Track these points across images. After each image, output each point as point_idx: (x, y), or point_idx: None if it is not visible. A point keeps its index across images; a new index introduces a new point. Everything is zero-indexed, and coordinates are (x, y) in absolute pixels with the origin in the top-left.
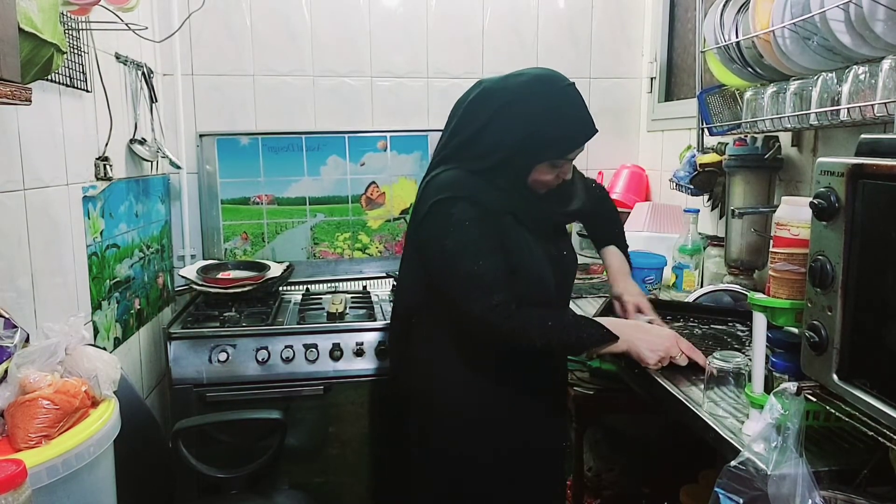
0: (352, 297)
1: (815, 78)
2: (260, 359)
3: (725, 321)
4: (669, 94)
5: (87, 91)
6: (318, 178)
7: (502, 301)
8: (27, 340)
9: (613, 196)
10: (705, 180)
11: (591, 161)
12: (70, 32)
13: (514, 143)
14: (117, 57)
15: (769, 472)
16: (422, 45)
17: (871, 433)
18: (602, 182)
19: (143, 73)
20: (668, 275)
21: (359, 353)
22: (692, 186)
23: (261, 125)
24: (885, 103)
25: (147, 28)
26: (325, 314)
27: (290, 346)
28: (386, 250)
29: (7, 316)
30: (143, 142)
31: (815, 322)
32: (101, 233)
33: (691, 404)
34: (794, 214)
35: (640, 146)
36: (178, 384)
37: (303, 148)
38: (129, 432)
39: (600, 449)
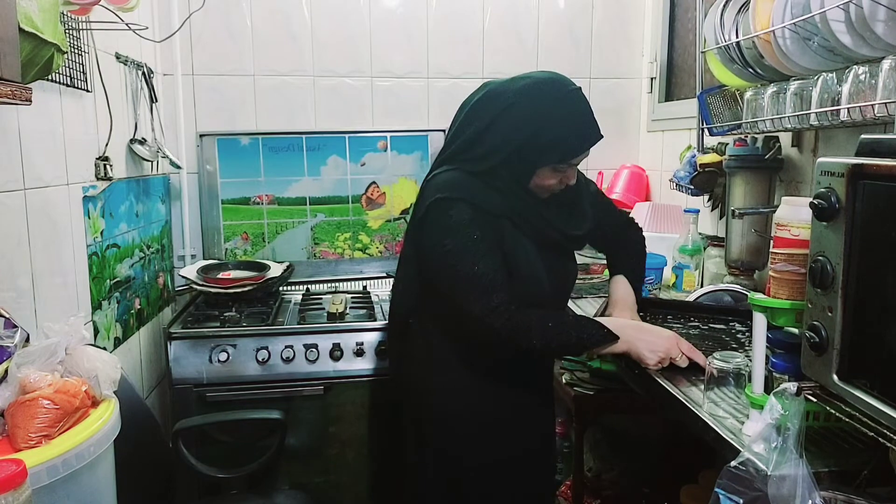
0: (352, 297)
1: (816, 78)
2: (260, 359)
3: (725, 321)
4: (669, 95)
5: (88, 91)
6: (318, 178)
7: (502, 302)
8: (27, 340)
9: (613, 196)
10: (705, 180)
11: (591, 161)
12: (70, 32)
13: (515, 145)
14: (117, 57)
15: (769, 473)
16: (422, 45)
17: (871, 434)
18: (602, 182)
19: (144, 73)
20: (668, 275)
21: (359, 353)
22: (692, 186)
23: (261, 125)
24: (885, 103)
25: (147, 28)
26: (326, 314)
27: (291, 346)
28: (386, 250)
29: (7, 316)
30: (143, 142)
31: (815, 322)
32: (101, 233)
33: (691, 405)
34: (794, 215)
35: (640, 146)
36: (178, 384)
37: (303, 148)
38: (129, 432)
39: (600, 449)
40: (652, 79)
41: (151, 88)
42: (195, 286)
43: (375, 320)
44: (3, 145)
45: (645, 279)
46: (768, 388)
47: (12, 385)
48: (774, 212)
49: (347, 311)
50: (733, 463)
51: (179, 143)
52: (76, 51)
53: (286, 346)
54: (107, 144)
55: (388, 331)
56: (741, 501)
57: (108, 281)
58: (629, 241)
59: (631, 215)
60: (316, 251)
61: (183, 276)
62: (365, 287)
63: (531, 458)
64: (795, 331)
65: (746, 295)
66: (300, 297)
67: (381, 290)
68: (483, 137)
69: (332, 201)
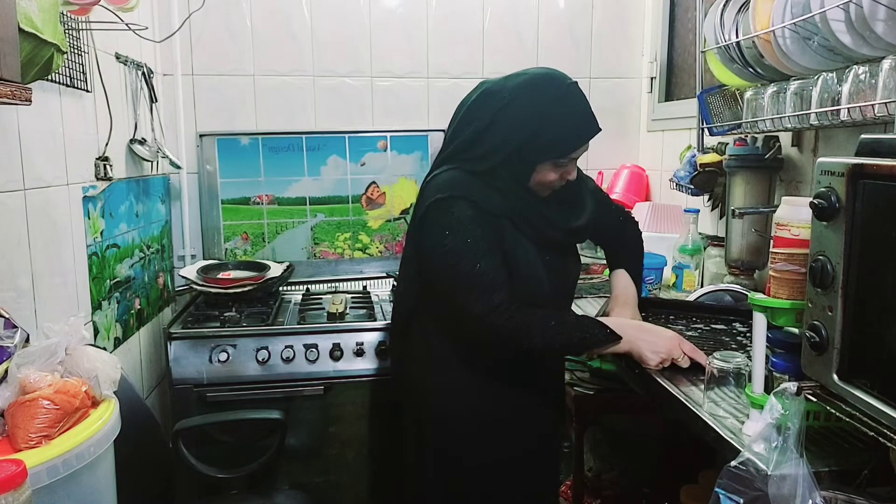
0: (352, 297)
1: (816, 78)
2: (260, 359)
3: (726, 321)
4: (669, 94)
5: (88, 91)
6: (318, 178)
7: (503, 301)
8: (27, 340)
9: (613, 196)
10: (705, 180)
11: (591, 161)
12: (70, 32)
13: (514, 143)
14: (117, 57)
15: (769, 473)
16: (422, 45)
17: (871, 433)
18: (602, 182)
19: (143, 73)
20: (668, 275)
21: (359, 353)
22: (692, 186)
23: (261, 125)
24: (885, 103)
25: (147, 28)
26: (326, 314)
27: (291, 346)
28: (386, 250)
29: (7, 316)
30: (143, 142)
31: (815, 322)
32: (101, 233)
33: (691, 404)
34: (794, 214)
35: (640, 146)
36: (178, 384)
37: (303, 148)
38: (129, 432)
39: (600, 449)
40: (652, 79)
41: (151, 88)
42: (195, 286)
43: (375, 320)
44: (3, 145)
45: (644, 278)
46: (768, 387)
47: (12, 385)
48: (774, 211)
49: (347, 311)
50: (733, 463)
51: (179, 143)
52: (76, 51)
53: (286, 346)
54: (107, 144)
55: (389, 331)
56: (741, 501)
57: (108, 281)
58: (628, 237)
59: (629, 212)
60: (316, 251)
61: (183, 276)
62: (365, 287)
63: (531, 458)
64: (795, 331)
65: (746, 295)
66: (300, 297)
67: (381, 290)
68: (482, 137)
69: (332, 201)
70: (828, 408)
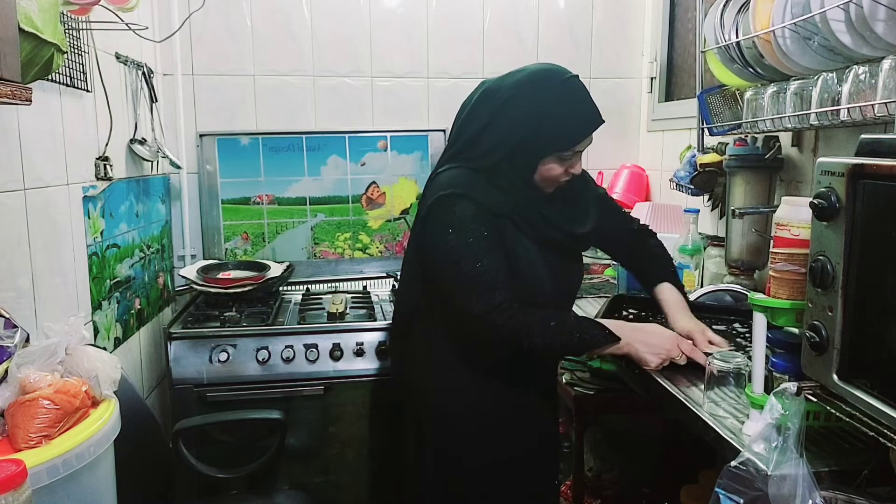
0: (352, 297)
1: (816, 78)
2: (260, 359)
3: (727, 321)
4: (669, 94)
5: (88, 91)
6: (318, 178)
7: (504, 300)
8: (27, 340)
9: (613, 196)
10: (705, 180)
11: (591, 161)
12: (70, 32)
13: (516, 139)
14: (117, 57)
15: (769, 473)
16: (422, 45)
17: (871, 433)
18: (602, 182)
19: (144, 73)
20: None
21: (359, 353)
22: (692, 186)
23: (261, 125)
24: (885, 103)
25: (147, 28)
26: (326, 314)
27: (291, 346)
28: (386, 250)
29: (7, 316)
30: (143, 142)
31: (815, 322)
32: (101, 233)
33: (691, 404)
34: (794, 215)
35: (640, 146)
36: (178, 384)
37: (303, 148)
38: (129, 432)
39: (600, 449)
40: (652, 79)
41: (151, 88)
42: (195, 286)
43: (375, 320)
44: (3, 145)
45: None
46: (768, 387)
47: (12, 385)
48: (774, 212)
49: (347, 311)
50: (733, 463)
51: (179, 143)
52: (76, 51)
53: (286, 346)
54: (107, 144)
55: (390, 331)
56: (741, 501)
57: (108, 281)
58: (657, 250)
59: (645, 224)
60: (316, 251)
61: (183, 276)
62: (365, 287)
63: (531, 458)
64: (795, 331)
65: (746, 295)
66: (300, 297)
67: (381, 290)
68: (483, 135)
69: (332, 201)
70: (828, 408)
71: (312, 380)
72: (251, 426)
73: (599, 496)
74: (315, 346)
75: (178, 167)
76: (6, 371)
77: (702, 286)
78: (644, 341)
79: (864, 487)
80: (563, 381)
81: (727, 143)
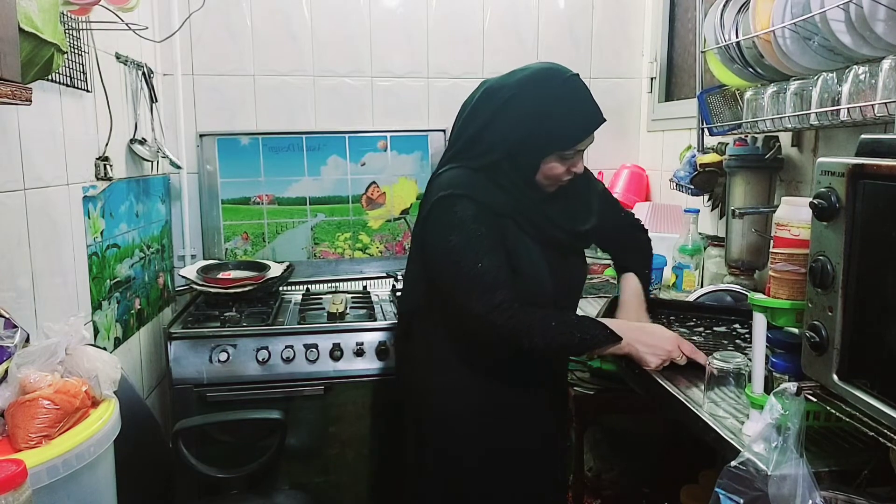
0: (352, 297)
1: (816, 78)
2: (260, 359)
3: (727, 321)
4: (669, 94)
5: (88, 91)
6: (318, 178)
7: (505, 299)
8: (27, 340)
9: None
10: (705, 180)
11: (591, 161)
12: (70, 32)
13: (517, 138)
14: (117, 57)
15: (769, 473)
16: (422, 45)
17: (871, 433)
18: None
19: (144, 73)
20: (668, 275)
21: (359, 353)
22: (692, 186)
23: (261, 125)
24: (885, 103)
25: (147, 28)
26: (326, 314)
27: (291, 346)
28: (386, 250)
29: (7, 316)
30: (143, 142)
31: (815, 322)
32: (101, 233)
33: (691, 405)
34: (794, 215)
35: (640, 146)
36: (178, 384)
37: (303, 148)
38: (129, 432)
39: (600, 449)
40: (652, 79)
41: (151, 88)
42: (195, 286)
43: (375, 320)
44: (3, 145)
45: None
46: (768, 388)
47: (12, 385)
48: (774, 212)
49: (347, 311)
50: (733, 463)
51: (179, 143)
52: (76, 51)
53: (286, 346)
54: (107, 144)
55: (394, 331)
56: (741, 501)
57: (108, 281)
58: (639, 241)
59: (640, 221)
60: (316, 251)
61: (183, 276)
62: (365, 287)
63: (532, 457)
64: (795, 331)
65: (746, 295)
66: (300, 297)
67: (382, 290)
68: (485, 133)
69: (332, 201)
70: (828, 408)
71: (312, 380)
72: (251, 426)
73: (599, 496)
74: (315, 346)
75: (178, 167)
76: (6, 371)
77: (702, 286)
78: (644, 341)
79: (864, 487)
80: None
81: (727, 143)
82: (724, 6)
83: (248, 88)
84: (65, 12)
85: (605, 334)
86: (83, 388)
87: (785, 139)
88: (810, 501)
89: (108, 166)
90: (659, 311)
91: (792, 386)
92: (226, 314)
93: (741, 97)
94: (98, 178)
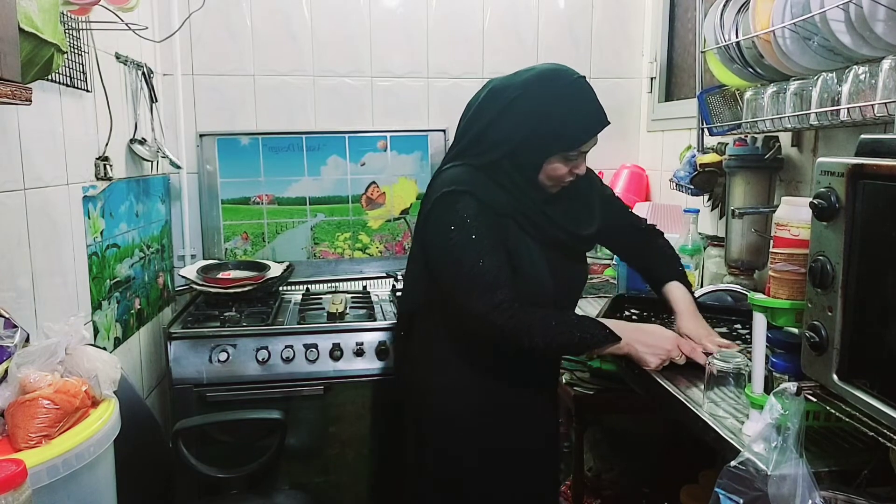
0: (352, 297)
1: (815, 78)
2: (260, 359)
3: (728, 321)
4: (669, 94)
5: (88, 91)
6: (318, 178)
7: (505, 299)
8: (27, 340)
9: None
10: (705, 180)
11: (591, 161)
12: (70, 32)
13: (521, 137)
14: (117, 57)
15: (769, 473)
16: (422, 45)
17: (871, 433)
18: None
19: (143, 73)
20: None
21: (359, 353)
22: (692, 186)
23: (261, 125)
24: (885, 103)
25: (147, 28)
26: (326, 314)
27: (291, 346)
28: (386, 250)
29: (7, 316)
30: (143, 142)
31: (815, 322)
32: (101, 233)
33: (691, 405)
34: (794, 215)
35: (640, 146)
36: (178, 384)
37: (303, 148)
38: (129, 432)
39: (600, 449)
40: (652, 79)
41: (151, 88)
42: (195, 286)
43: (375, 320)
44: (3, 145)
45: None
46: (768, 388)
47: (12, 385)
48: (774, 212)
49: (347, 311)
50: (733, 463)
51: (179, 143)
52: (76, 51)
53: (286, 346)
54: (107, 144)
55: (394, 330)
56: (741, 501)
57: (108, 281)
58: (662, 247)
59: (652, 224)
60: (316, 251)
61: (183, 276)
62: (365, 287)
63: (532, 457)
64: (795, 331)
65: (746, 295)
66: (300, 297)
67: (381, 290)
68: (488, 132)
69: (332, 201)
70: (828, 408)
71: (312, 380)
72: (251, 426)
73: (599, 496)
74: (315, 346)
75: (178, 167)
76: (6, 371)
77: (702, 286)
78: (644, 341)
79: (864, 487)
80: (563, 381)
81: (727, 143)
82: (724, 6)
83: (248, 88)
84: (65, 12)
85: (605, 334)
86: (83, 388)
87: (785, 139)
88: (810, 501)
89: (107, 166)
90: (658, 311)
91: (792, 386)
92: (226, 314)
93: (741, 97)
94: (98, 178)
